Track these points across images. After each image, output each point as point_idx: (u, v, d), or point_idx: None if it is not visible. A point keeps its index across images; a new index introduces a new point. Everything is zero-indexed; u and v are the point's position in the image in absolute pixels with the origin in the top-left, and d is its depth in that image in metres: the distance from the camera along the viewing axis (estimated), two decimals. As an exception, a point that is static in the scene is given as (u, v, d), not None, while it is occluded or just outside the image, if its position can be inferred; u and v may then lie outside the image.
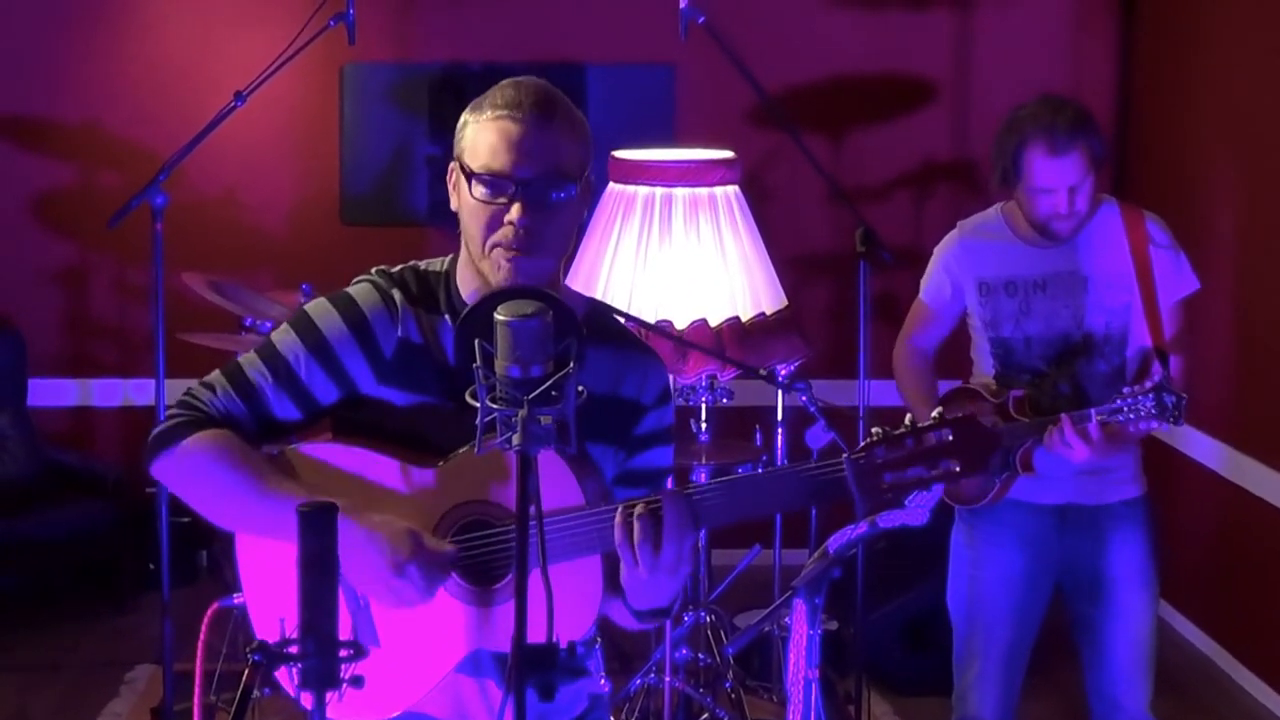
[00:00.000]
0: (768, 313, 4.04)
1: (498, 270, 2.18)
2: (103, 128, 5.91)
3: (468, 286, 2.26)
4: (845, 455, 2.12)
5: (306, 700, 2.03)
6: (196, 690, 2.96)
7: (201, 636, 2.56)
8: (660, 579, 2.12)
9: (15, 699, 4.91)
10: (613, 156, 4.08)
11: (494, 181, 2.16)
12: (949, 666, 3.70)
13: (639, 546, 2.09)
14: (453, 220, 2.27)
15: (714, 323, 3.91)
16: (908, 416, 2.15)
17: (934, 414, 2.13)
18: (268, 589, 2.26)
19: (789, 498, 2.17)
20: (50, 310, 6.02)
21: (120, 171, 5.71)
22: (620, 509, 2.11)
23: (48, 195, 5.98)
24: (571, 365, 1.95)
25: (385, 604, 2.19)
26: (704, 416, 4.27)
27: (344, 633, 2.18)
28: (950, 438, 2.10)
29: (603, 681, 3.91)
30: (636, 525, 2.09)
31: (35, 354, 5.88)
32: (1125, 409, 3.21)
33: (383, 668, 2.23)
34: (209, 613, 2.62)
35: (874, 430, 2.14)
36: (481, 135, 2.18)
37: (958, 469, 2.10)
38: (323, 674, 1.99)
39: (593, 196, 2.30)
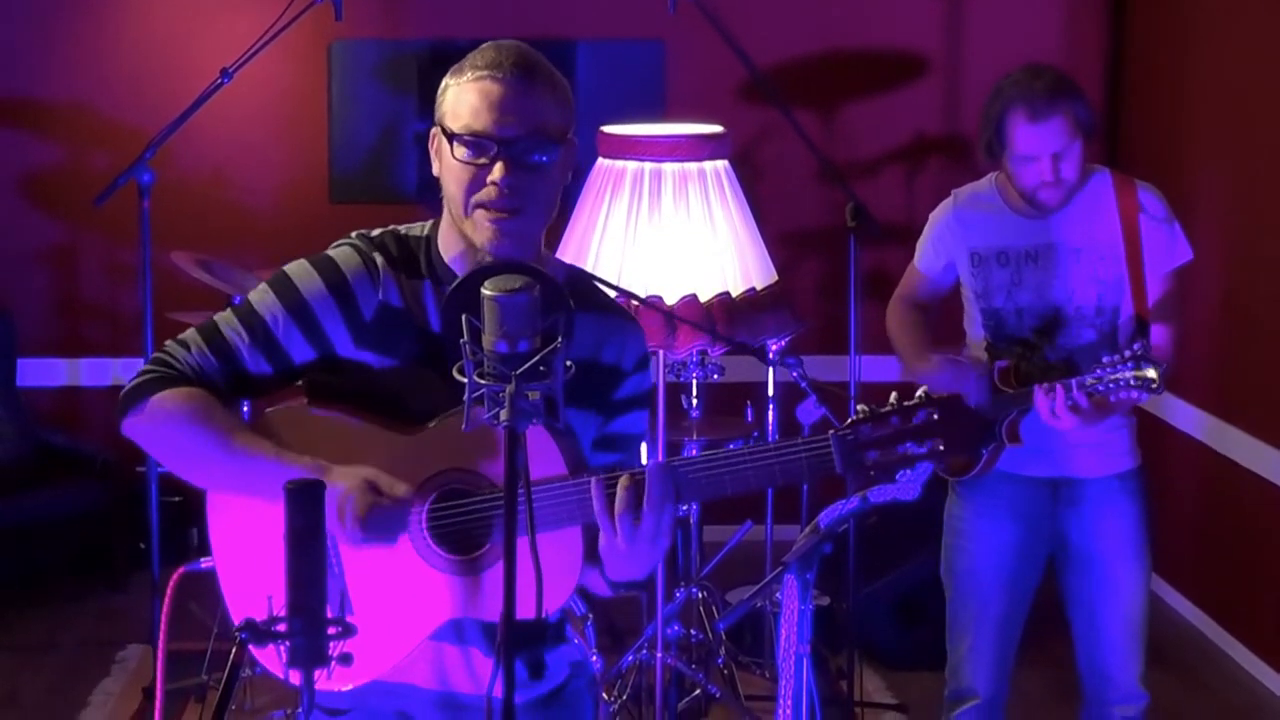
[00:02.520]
0: (758, 288, 4.03)
1: (481, 231, 2.16)
2: (90, 107, 5.88)
3: (450, 250, 2.24)
4: (831, 433, 2.11)
5: (295, 677, 2.02)
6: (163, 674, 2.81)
7: (165, 604, 2.47)
8: (639, 550, 2.11)
9: (7, 680, 4.90)
10: (601, 131, 4.05)
11: (475, 142, 2.14)
12: (942, 640, 3.70)
13: (619, 517, 2.08)
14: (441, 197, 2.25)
15: (704, 298, 3.90)
16: (893, 395, 2.13)
17: (919, 393, 2.12)
18: (238, 553, 2.25)
19: (774, 475, 2.15)
20: (39, 290, 6.00)
21: (108, 151, 5.68)
22: (603, 479, 2.10)
23: (36, 175, 5.96)
24: (560, 340, 1.94)
25: (365, 547, 2.18)
26: (695, 392, 4.27)
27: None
28: (936, 417, 2.09)
29: (594, 658, 3.92)
30: (619, 495, 2.08)
31: (24, 334, 5.86)
32: (1105, 379, 3.20)
33: (356, 635, 2.21)
34: (174, 579, 2.51)
35: (860, 407, 2.12)
36: (462, 96, 2.16)
37: (943, 447, 2.09)
38: (311, 652, 1.98)
39: (576, 162, 2.27)
